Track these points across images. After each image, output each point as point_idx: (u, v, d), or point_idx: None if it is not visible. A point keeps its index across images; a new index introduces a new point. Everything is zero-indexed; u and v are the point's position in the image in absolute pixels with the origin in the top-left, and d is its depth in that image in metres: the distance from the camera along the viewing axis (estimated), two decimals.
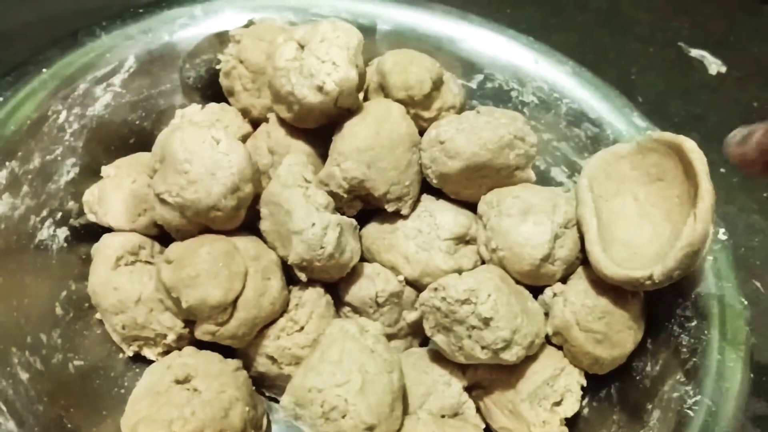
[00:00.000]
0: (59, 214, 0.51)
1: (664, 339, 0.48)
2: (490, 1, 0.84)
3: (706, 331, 0.46)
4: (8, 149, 0.48)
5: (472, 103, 0.60)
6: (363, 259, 0.54)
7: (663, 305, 0.48)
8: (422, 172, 0.54)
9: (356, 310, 0.53)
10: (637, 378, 0.48)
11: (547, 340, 0.50)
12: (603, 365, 0.50)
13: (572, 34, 0.84)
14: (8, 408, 0.41)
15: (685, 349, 0.46)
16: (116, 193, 0.51)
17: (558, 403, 0.49)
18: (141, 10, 0.56)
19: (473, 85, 0.61)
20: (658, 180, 0.49)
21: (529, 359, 0.49)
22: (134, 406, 0.45)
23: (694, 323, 0.47)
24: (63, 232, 0.51)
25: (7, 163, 0.48)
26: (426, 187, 0.55)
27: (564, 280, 0.51)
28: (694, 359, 0.45)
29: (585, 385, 0.50)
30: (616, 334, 0.49)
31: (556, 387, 0.49)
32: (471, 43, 0.62)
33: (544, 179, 0.58)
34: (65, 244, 0.51)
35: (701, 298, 0.48)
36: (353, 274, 0.52)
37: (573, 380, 0.50)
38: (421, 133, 0.54)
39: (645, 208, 0.49)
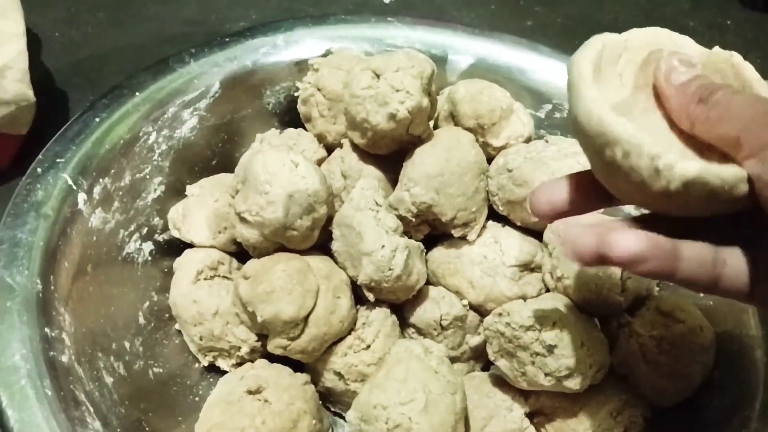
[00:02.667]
0: (145, 229, 0.54)
1: (733, 373, 0.47)
2: (560, 33, 0.85)
3: None
4: (102, 167, 0.52)
5: (540, 132, 0.61)
6: (429, 282, 0.55)
7: (733, 338, 0.48)
8: (489, 199, 0.55)
9: (420, 331, 0.54)
10: (704, 412, 0.48)
11: (612, 370, 0.50)
12: (669, 398, 0.49)
13: None
14: (95, 409, 0.44)
15: (755, 385, 0.45)
16: (199, 211, 0.54)
17: None
18: (227, 39, 0.60)
19: (541, 114, 0.62)
20: None
21: (592, 388, 0.49)
22: (208, 413, 0.47)
23: (766, 359, 0.46)
24: (148, 246, 0.54)
25: (101, 180, 0.51)
26: (492, 214, 0.56)
27: (630, 310, 0.51)
28: (764, 394, 0.44)
29: (649, 417, 0.50)
30: (684, 367, 0.48)
31: (620, 418, 0.49)
32: (540, 73, 0.63)
33: (611, 210, 0.58)
34: (149, 258, 0.54)
35: None
36: (419, 297, 0.53)
37: (637, 412, 0.49)
38: (489, 160, 0.56)
39: None
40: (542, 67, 0.63)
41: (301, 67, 0.60)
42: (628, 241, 0.32)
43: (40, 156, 0.51)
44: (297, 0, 0.84)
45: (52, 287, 0.46)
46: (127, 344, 0.50)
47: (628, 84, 0.39)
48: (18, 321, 0.43)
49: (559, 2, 0.91)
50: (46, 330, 0.44)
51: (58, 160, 0.51)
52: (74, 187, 0.50)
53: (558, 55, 0.64)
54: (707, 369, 0.49)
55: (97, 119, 0.53)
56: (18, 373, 0.42)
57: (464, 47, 0.63)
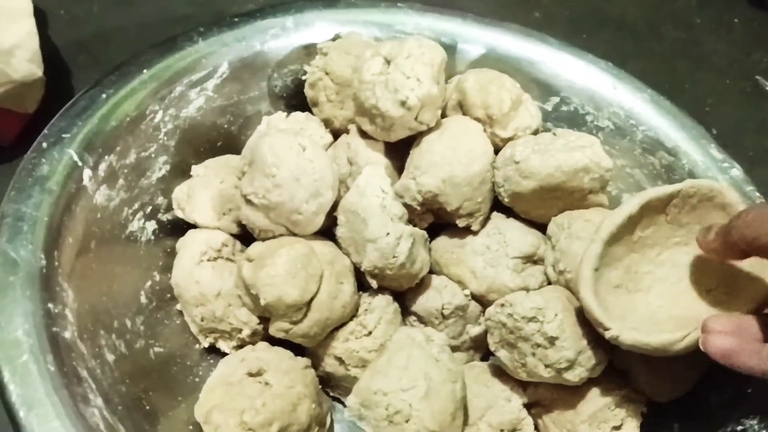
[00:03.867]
0: (149, 208, 0.54)
1: (732, 370, 0.48)
2: (567, 26, 0.85)
3: None
4: (108, 144, 0.52)
5: (547, 125, 0.61)
6: (431, 271, 0.55)
7: None
8: (494, 190, 0.55)
9: (422, 320, 0.54)
10: (701, 408, 0.48)
11: (611, 364, 0.50)
12: (666, 393, 0.50)
13: (648, 62, 0.83)
14: (97, 385, 0.44)
15: (753, 382, 0.46)
16: (204, 192, 0.54)
17: (618, 428, 0.50)
18: (236, 19, 0.59)
19: (549, 107, 0.62)
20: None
21: (591, 382, 0.49)
22: (208, 394, 0.47)
23: None
24: (152, 226, 0.54)
25: (106, 157, 0.51)
26: (497, 205, 0.56)
27: None
28: (762, 392, 0.45)
29: (646, 411, 0.50)
30: (682, 363, 0.49)
31: (616, 411, 0.49)
32: (549, 65, 0.63)
33: (615, 205, 0.58)
34: (153, 237, 0.54)
35: None
36: (421, 285, 0.54)
37: (634, 406, 0.50)
38: (497, 151, 0.56)
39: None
40: (551, 60, 0.63)
41: (310, 50, 0.60)
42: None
43: (45, 131, 0.50)
44: None
45: (56, 263, 0.46)
46: (128, 323, 0.50)
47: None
48: (21, 296, 0.43)
49: None
50: (49, 305, 0.44)
51: (63, 136, 0.50)
52: (79, 163, 0.49)
53: (567, 47, 0.63)
54: (704, 366, 0.49)
55: (104, 95, 0.53)
56: (20, 347, 0.42)
57: (474, 36, 0.63)
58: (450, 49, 0.61)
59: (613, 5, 0.90)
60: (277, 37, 0.60)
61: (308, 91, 0.59)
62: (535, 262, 0.55)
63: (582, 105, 0.61)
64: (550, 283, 0.54)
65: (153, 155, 0.54)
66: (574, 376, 0.47)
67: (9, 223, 0.46)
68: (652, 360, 0.49)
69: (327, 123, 0.59)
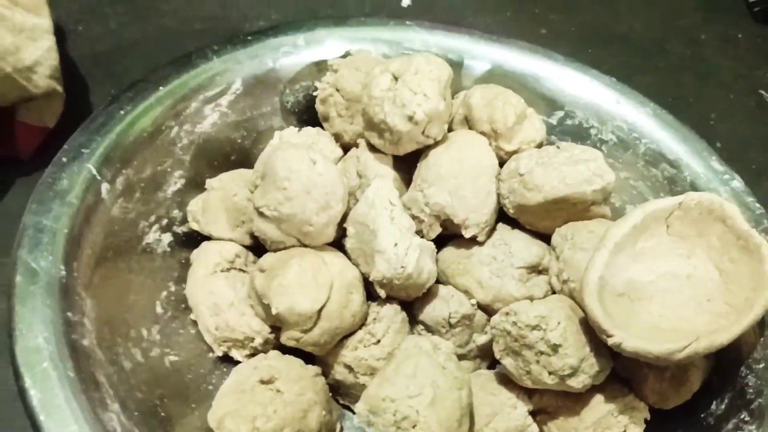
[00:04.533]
0: (165, 221, 0.56)
1: (731, 378, 0.49)
2: (574, 42, 0.87)
3: None
4: (125, 158, 0.53)
5: (551, 138, 0.62)
6: (439, 281, 0.56)
7: (732, 345, 0.49)
8: (500, 202, 0.57)
9: (429, 328, 0.55)
10: (702, 415, 0.49)
11: (614, 372, 0.51)
12: (668, 401, 0.51)
13: (653, 77, 0.85)
14: (114, 391, 0.45)
15: (751, 390, 0.47)
16: (218, 205, 0.56)
17: None
18: (249, 37, 0.61)
19: (553, 121, 0.64)
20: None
21: (595, 389, 0.50)
22: (221, 401, 0.49)
23: (762, 365, 0.47)
24: (167, 238, 0.56)
25: (123, 171, 0.53)
26: (502, 216, 0.57)
27: None
28: (760, 400, 0.45)
29: (648, 418, 0.51)
30: (684, 371, 0.50)
31: (620, 418, 0.50)
32: (554, 81, 0.64)
33: (619, 216, 0.59)
34: (168, 249, 0.56)
35: None
36: (428, 295, 0.55)
37: (637, 413, 0.51)
38: (502, 164, 0.57)
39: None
40: (556, 75, 0.64)
41: (321, 67, 0.61)
42: None
43: (65, 146, 0.52)
44: (316, 0, 0.86)
45: (75, 273, 0.48)
46: (144, 331, 0.51)
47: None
48: (41, 304, 0.45)
49: (574, 11, 0.92)
50: (68, 314, 0.46)
51: (82, 151, 0.52)
52: (98, 177, 0.51)
53: (571, 63, 0.65)
54: (706, 374, 0.50)
55: (121, 111, 0.55)
56: (41, 354, 0.43)
57: (480, 53, 0.64)
58: (457, 65, 0.63)
59: (619, 22, 0.92)
60: (289, 55, 0.62)
61: (319, 107, 0.61)
62: (539, 272, 0.56)
63: (586, 119, 0.63)
64: (554, 292, 0.55)
65: (169, 169, 0.56)
66: (577, 383, 0.48)
67: (30, 234, 0.48)
68: (655, 367, 0.50)
69: (337, 137, 0.61)
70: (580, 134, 0.63)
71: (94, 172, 0.51)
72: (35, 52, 0.59)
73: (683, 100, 0.83)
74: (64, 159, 0.52)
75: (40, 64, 0.60)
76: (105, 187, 0.51)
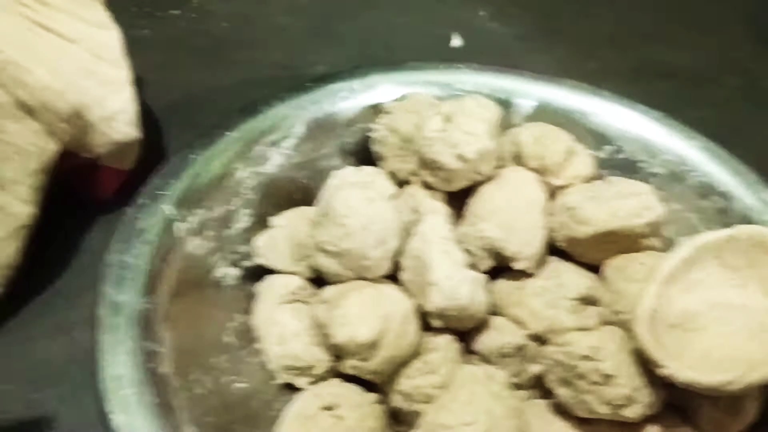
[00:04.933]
0: (233, 256, 0.60)
1: None
2: (624, 76, 0.88)
3: None
4: (198, 199, 0.58)
5: (600, 173, 0.64)
6: (492, 312, 0.58)
7: None
8: (550, 235, 0.58)
9: (484, 358, 0.57)
10: None
11: (670, 401, 0.52)
12: (724, 430, 0.51)
13: (708, 109, 0.85)
14: (188, 416, 0.49)
15: None
16: (282, 241, 0.59)
17: None
18: (310, 85, 0.65)
19: (602, 155, 0.65)
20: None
21: (651, 418, 0.51)
22: (285, 427, 0.52)
23: None
24: (235, 272, 0.60)
25: (196, 211, 0.57)
26: (553, 249, 0.59)
27: None
28: None
29: None
30: (741, 401, 0.50)
31: None
32: (602, 116, 0.66)
33: (670, 247, 0.60)
34: (235, 282, 0.60)
35: None
36: (482, 326, 0.57)
37: None
38: (551, 198, 0.59)
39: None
40: (604, 111, 0.66)
41: (376, 110, 0.65)
42: None
43: (143, 189, 0.57)
44: (369, 45, 0.90)
45: (154, 306, 0.52)
46: (214, 360, 0.55)
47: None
48: (124, 335, 0.49)
49: (624, 46, 0.94)
50: (148, 344, 0.50)
51: (158, 193, 0.57)
52: (173, 217, 0.56)
53: (619, 98, 0.67)
54: (763, 402, 0.50)
55: (194, 156, 0.60)
56: (122, 381, 0.47)
57: (528, 92, 0.67)
58: (505, 104, 0.65)
59: (669, 55, 0.93)
60: (346, 99, 0.65)
61: (375, 147, 0.65)
62: (591, 304, 0.57)
63: (635, 153, 0.64)
64: (606, 323, 0.56)
65: (237, 209, 0.60)
66: (632, 412, 0.49)
67: (114, 271, 0.52)
68: (711, 397, 0.50)
69: (392, 175, 0.64)
70: (629, 168, 0.64)
71: (170, 212, 0.56)
72: (116, 103, 0.65)
73: (737, 133, 0.82)
74: (143, 201, 0.56)
75: (121, 113, 0.65)
76: (180, 226, 0.56)
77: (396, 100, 0.65)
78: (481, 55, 0.89)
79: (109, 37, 0.67)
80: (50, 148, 0.62)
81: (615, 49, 0.93)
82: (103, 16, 0.69)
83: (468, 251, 0.57)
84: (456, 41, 0.91)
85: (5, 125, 0.61)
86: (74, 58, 0.65)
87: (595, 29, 0.97)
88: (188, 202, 0.57)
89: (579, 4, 1.02)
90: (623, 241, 0.56)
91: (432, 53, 0.89)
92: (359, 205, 0.53)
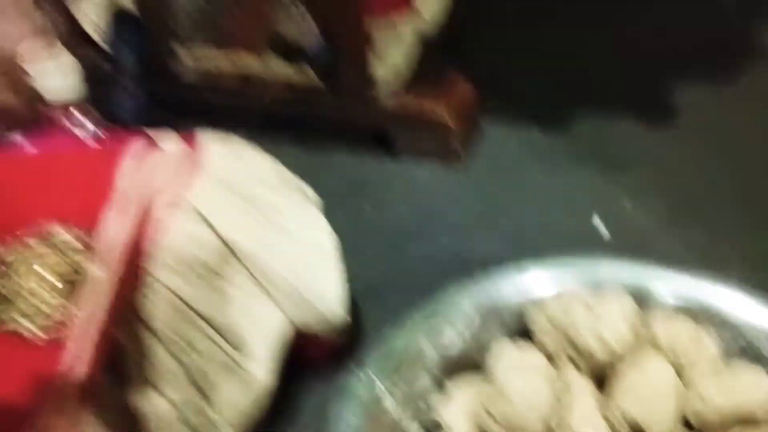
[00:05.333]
0: (418, 415, 0.76)
1: None
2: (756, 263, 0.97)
3: None
4: (393, 370, 0.75)
5: (725, 359, 0.74)
6: None
7: None
8: (682, 412, 0.69)
9: None
10: None
11: None
12: None
13: None
14: None
15: None
16: (457, 403, 0.75)
17: None
18: (479, 276, 0.82)
19: (726, 343, 0.75)
20: None
21: None
22: None
23: None
24: (418, 428, 0.75)
25: (394, 380, 0.75)
26: (688, 425, 0.70)
27: None
28: None
29: None
30: None
31: None
32: (728, 306, 0.76)
33: None
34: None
35: None
36: None
37: None
38: (683, 381, 0.70)
39: None
40: (731, 301, 0.77)
41: (534, 301, 0.80)
42: None
43: (352, 363, 0.76)
44: (524, 234, 1.07)
45: None
46: None
47: None
48: None
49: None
50: None
51: (365, 364, 0.75)
52: (378, 386, 0.73)
53: (743, 288, 0.77)
54: None
55: (390, 334, 0.78)
56: None
57: (664, 285, 0.78)
58: (642, 296, 0.78)
59: None
60: (509, 290, 0.81)
61: (533, 334, 0.79)
62: None
63: (758, 339, 0.74)
64: None
65: (423, 377, 0.77)
66: None
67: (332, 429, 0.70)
68: None
69: (548, 357, 0.78)
70: (753, 355, 0.74)
71: (374, 379, 0.74)
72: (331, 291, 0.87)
73: None
74: (354, 371, 0.75)
75: (335, 298, 0.86)
76: (382, 392, 0.73)
77: (552, 296, 0.79)
78: (626, 242, 1.03)
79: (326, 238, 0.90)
80: (290, 329, 0.84)
81: (749, 237, 1.01)
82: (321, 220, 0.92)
83: (610, 424, 0.69)
84: (601, 229, 1.06)
85: (251, 305, 0.84)
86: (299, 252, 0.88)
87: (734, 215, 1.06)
88: (387, 372, 0.75)
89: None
90: (752, 422, 0.66)
91: (580, 242, 1.04)
92: (522, 383, 0.69)
